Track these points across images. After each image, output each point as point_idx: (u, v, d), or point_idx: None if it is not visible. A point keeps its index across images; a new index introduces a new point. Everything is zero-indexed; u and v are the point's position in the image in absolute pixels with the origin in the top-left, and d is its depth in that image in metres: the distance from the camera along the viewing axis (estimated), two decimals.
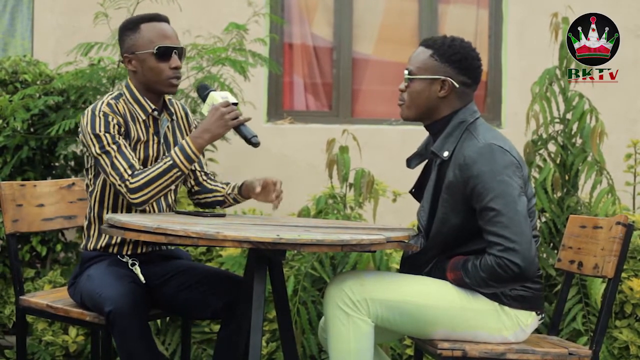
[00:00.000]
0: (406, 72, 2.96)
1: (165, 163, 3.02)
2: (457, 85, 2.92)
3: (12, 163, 4.46)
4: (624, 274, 3.93)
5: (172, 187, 3.08)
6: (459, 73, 2.92)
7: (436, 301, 2.82)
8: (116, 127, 3.06)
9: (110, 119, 3.06)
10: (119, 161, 3.02)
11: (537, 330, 3.80)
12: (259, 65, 4.93)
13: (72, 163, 4.73)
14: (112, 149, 3.03)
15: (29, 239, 4.52)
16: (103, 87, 4.59)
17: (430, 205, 2.92)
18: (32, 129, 4.60)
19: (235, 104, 3.10)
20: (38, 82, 4.72)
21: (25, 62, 4.88)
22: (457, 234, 2.87)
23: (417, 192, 3.10)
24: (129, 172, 3.01)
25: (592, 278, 3.82)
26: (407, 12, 5.90)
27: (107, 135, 3.04)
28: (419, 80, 2.94)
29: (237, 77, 4.83)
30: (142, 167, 3.08)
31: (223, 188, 3.32)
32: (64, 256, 4.66)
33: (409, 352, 3.99)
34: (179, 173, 3.02)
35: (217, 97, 3.09)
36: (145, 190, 3.00)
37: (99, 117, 3.05)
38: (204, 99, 3.13)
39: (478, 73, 2.96)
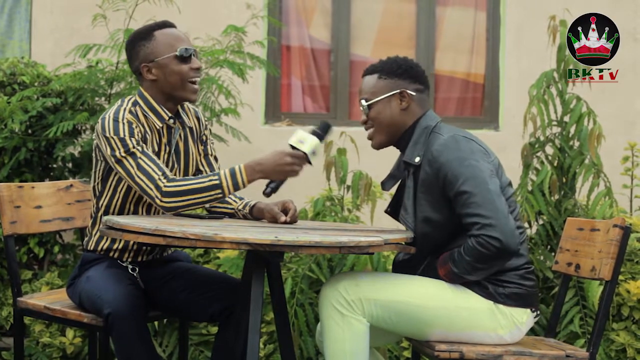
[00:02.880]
0: (362, 101, 3.02)
1: (210, 180, 2.94)
2: (413, 94, 3.00)
3: (10, 165, 4.47)
4: (621, 277, 3.93)
5: (206, 205, 3.04)
6: (410, 82, 3.02)
7: (431, 301, 2.83)
8: (139, 134, 3.03)
9: (134, 126, 3.01)
10: (146, 163, 2.96)
11: (534, 332, 3.80)
12: (257, 68, 4.93)
13: (70, 165, 4.73)
14: (138, 149, 2.98)
15: (27, 241, 4.52)
16: (101, 88, 4.59)
17: (413, 208, 2.95)
18: (30, 131, 4.60)
19: (306, 155, 2.98)
20: (36, 84, 4.73)
21: (23, 64, 4.88)
22: (442, 232, 2.90)
23: (392, 211, 3.14)
24: (159, 174, 2.94)
25: (589, 280, 3.82)
26: (405, 15, 5.90)
27: (132, 139, 2.98)
28: (377, 103, 3.00)
29: (236, 79, 4.83)
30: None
31: (235, 202, 3.26)
32: (61, 258, 4.66)
33: (407, 354, 4.00)
34: (220, 195, 2.94)
35: (308, 143, 2.97)
36: (180, 198, 2.93)
37: (123, 123, 3.00)
38: (317, 133, 3.00)
39: (425, 78, 3.07)
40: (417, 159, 2.93)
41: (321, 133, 3.03)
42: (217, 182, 2.94)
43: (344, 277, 2.87)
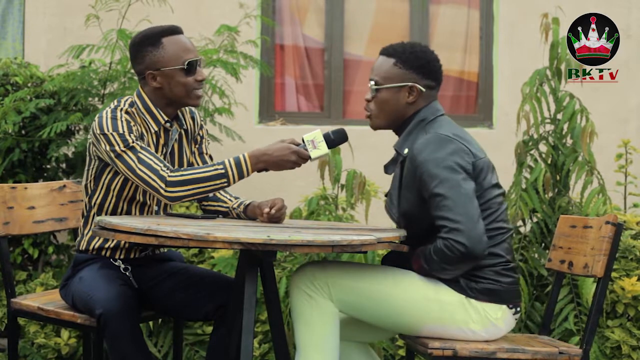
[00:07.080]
0: (372, 82, 3.01)
1: (215, 169, 2.93)
2: (423, 90, 2.99)
3: (3, 165, 4.46)
4: (615, 274, 3.94)
5: (210, 195, 3.03)
6: (423, 77, 2.99)
7: (398, 289, 2.86)
8: (137, 132, 3.03)
9: (132, 124, 3.02)
10: (147, 157, 2.95)
11: (529, 330, 3.81)
12: (250, 67, 4.93)
13: (64, 165, 4.72)
14: (137, 144, 2.97)
15: (21, 242, 4.51)
16: (94, 89, 4.59)
17: (398, 200, 2.98)
18: (23, 132, 4.60)
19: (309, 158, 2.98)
20: (29, 85, 4.72)
21: (16, 65, 4.87)
22: (419, 227, 2.92)
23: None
24: (161, 165, 2.93)
25: (583, 278, 3.83)
26: (398, 13, 5.91)
27: (131, 135, 2.99)
28: (386, 90, 2.99)
29: (229, 79, 4.83)
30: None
31: (230, 201, 3.27)
32: (56, 258, 4.65)
33: (401, 352, 4.00)
34: (225, 184, 2.94)
35: (319, 150, 2.97)
36: (185, 187, 2.92)
37: (121, 121, 3.00)
38: (330, 139, 3.00)
39: (440, 74, 3.04)
40: (406, 151, 2.94)
41: (335, 140, 3.02)
42: (222, 171, 2.94)
43: (313, 264, 2.94)
